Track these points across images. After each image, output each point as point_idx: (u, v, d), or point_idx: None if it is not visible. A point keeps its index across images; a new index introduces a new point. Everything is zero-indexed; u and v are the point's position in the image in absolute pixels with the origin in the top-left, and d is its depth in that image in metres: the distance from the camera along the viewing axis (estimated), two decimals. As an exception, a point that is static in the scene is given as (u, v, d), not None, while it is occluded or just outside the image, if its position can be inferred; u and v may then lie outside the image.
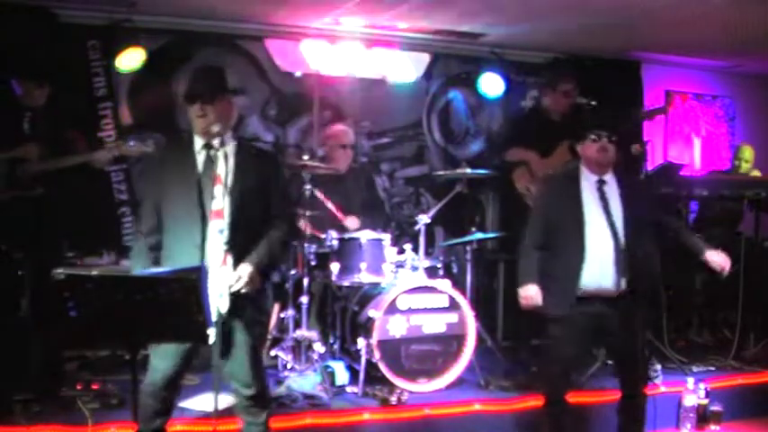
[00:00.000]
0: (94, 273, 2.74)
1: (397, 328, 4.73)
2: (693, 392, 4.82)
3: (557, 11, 5.37)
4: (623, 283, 3.89)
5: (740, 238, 5.86)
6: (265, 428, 3.45)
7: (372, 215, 5.49)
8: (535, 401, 4.55)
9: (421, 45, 6.42)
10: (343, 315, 5.04)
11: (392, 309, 4.71)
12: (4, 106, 4.49)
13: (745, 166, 6.58)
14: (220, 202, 3.21)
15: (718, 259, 4.03)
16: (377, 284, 4.96)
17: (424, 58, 6.51)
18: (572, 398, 4.18)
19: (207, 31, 5.87)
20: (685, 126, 7.50)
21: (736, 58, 6.81)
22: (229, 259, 3.24)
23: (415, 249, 5.10)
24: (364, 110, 6.42)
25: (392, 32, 6.13)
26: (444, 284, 4.91)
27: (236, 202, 3.27)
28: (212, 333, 2.85)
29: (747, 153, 6.59)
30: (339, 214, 5.32)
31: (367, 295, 4.98)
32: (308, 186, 5.02)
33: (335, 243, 4.95)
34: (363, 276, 4.91)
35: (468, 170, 5.39)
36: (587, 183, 3.97)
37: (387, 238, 5.03)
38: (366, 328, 4.73)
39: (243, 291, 3.22)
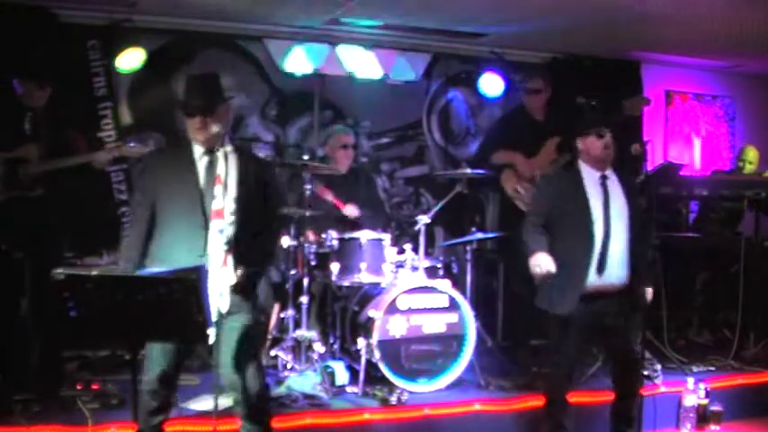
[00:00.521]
0: (94, 273, 2.73)
1: (397, 328, 4.73)
2: (693, 392, 4.82)
3: (556, 11, 5.37)
4: (623, 280, 3.91)
5: (740, 238, 5.86)
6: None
7: (372, 215, 5.49)
8: (535, 401, 4.55)
9: (421, 45, 6.42)
10: (343, 315, 5.04)
11: (392, 309, 4.71)
12: (5, 106, 4.49)
13: (749, 168, 6.56)
14: (220, 201, 3.22)
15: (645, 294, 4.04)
16: (377, 284, 4.95)
17: (424, 58, 6.51)
18: (572, 398, 4.19)
19: (207, 31, 5.87)
20: (685, 126, 7.50)
21: (736, 58, 6.81)
22: (230, 259, 3.25)
23: (415, 249, 5.10)
24: (364, 110, 6.43)
25: (392, 32, 6.13)
26: (444, 284, 4.91)
27: (237, 202, 3.28)
28: (212, 333, 2.85)
29: (751, 154, 6.57)
30: (338, 203, 5.32)
31: (367, 295, 4.98)
32: (308, 186, 5.03)
33: (335, 243, 4.95)
34: (363, 276, 4.91)
35: (468, 170, 5.39)
36: (590, 179, 4.00)
37: (387, 238, 5.03)
38: (366, 328, 4.73)
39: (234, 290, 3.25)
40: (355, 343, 4.77)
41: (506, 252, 6.04)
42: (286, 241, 4.92)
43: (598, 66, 6.74)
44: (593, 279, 3.89)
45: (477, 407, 4.51)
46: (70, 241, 4.89)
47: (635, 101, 5.94)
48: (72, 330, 2.81)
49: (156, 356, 3.29)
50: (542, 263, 3.89)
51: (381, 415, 4.35)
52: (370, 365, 4.67)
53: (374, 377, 4.68)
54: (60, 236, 4.64)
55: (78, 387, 4.37)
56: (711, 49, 6.42)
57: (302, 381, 4.65)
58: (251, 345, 3.45)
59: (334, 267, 4.90)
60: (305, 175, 5.06)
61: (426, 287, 4.84)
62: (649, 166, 5.83)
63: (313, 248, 4.97)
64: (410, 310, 4.78)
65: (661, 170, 6.10)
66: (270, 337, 5.16)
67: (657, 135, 7.18)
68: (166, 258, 3.27)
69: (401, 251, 5.12)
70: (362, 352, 4.67)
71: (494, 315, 6.39)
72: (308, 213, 4.97)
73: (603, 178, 3.99)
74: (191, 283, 2.66)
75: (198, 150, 3.35)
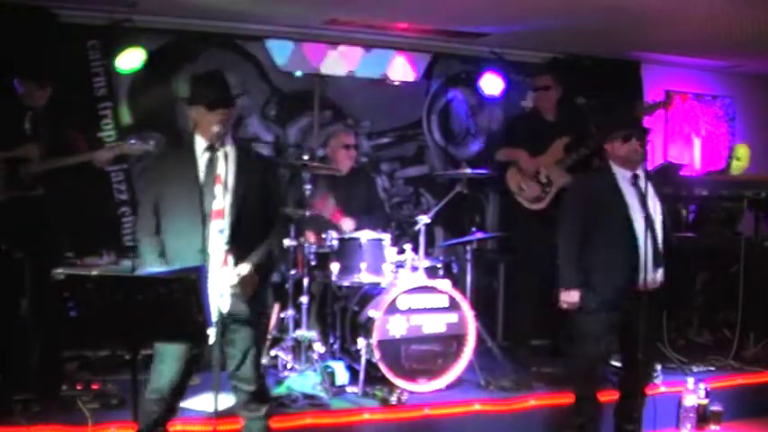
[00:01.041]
0: (94, 273, 2.74)
1: (397, 328, 4.73)
2: (693, 392, 4.82)
3: (556, 11, 5.36)
4: (662, 277, 4.02)
5: (740, 238, 5.86)
6: (266, 423, 3.47)
7: (372, 215, 5.49)
8: (535, 401, 4.56)
9: (421, 45, 6.42)
10: (343, 315, 5.04)
11: (392, 309, 4.71)
12: (6, 106, 4.49)
13: (737, 164, 6.59)
14: (221, 201, 3.22)
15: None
16: (377, 284, 4.95)
17: (424, 58, 6.51)
18: (600, 395, 4.21)
19: (207, 31, 5.86)
20: (685, 126, 7.49)
21: (736, 58, 6.81)
22: (230, 259, 3.25)
23: (415, 249, 5.10)
24: (364, 110, 6.43)
25: (392, 32, 6.13)
26: (444, 284, 4.91)
27: (238, 202, 3.28)
28: (212, 333, 2.85)
29: (741, 151, 6.62)
30: (335, 216, 5.32)
31: (367, 295, 4.98)
32: (308, 186, 5.03)
33: (335, 243, 4.95)
34: (363, 276, 4.91)
35: (468, 170, 5.39)
36: (623, 180, 4.08)
37: (387, 238, 5.03)
38: (366, 328, 4.73)
39: (239, 291, 3.25)
40: (355, 343, 4.77)
41: (507, 251, 6.04)
42: (286, 241, 4.92)
43: (598, 66, 6.73)
44: (647, 276, 3.95)
45: (477, 407, 4.52)
46: (70, 241, 4.89)
47: (653, 106, 5.97)
48: (72, 330, 2.81)
49: (167, 362, 3.28)
50: (573, 301, 4.04)
51: (381, 415, 4.36)
52: (370, 365, 4.67)
53: (374, 377, 4.68)
54: (60, 236, 4.64)
55: (78, 387, 4.37)
56: (711, 49, 6.42)
57: (302, 381, 4.65)
58: (259, 343, 3.49)
59: (334, 267, 4.90)
60: (305, 175, 5.06)
61: (426, 287, 4.84)
62: (649, 166, 5.87)
63: (313, 248, 4.98)
64: (410, 310, 4.78)
65: (661, 170, 6.10)
66: (270, 337, 5.16)
67: (657, 135, 7.17)
68: (169, 256, 3.28)
69: (401, 251, 5.12)
70: (362, 352, 4.67)
71: (494, 315, 6.39)
72: (308, 213, 4.97)
73: (635, 177, 4.06)
74: (191, 283, 2.66)
75: (200, 147, 3.35)
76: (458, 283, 5.23)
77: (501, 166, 5.78)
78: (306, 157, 5.09)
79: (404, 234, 6.02)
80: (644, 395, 4.16)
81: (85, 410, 4.02)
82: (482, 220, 6.64)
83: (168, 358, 3.28)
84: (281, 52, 5.99)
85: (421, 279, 4.94)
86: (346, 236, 5.00)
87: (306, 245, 4.97)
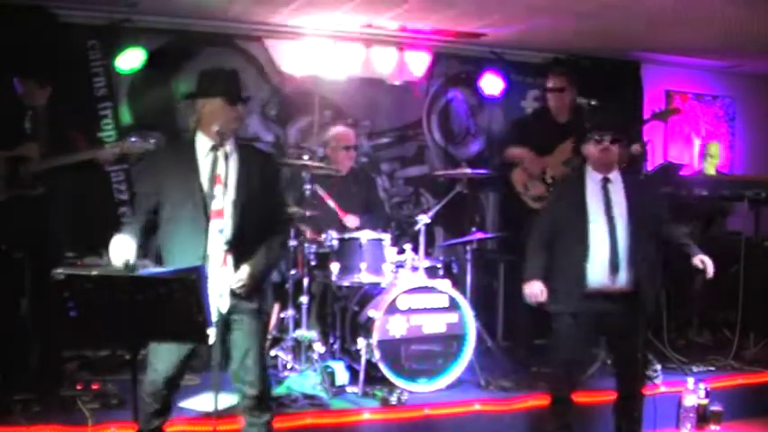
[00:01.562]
0: (94, 273, 2.73)
1: (397, 328, 4.73)
2: (693, 392, 4.82)
3: (556, 11, 5.37)
4: (627, 282, 3.92)
5: (740, 238, 5.86)
6: (267, 428, 3.46)
7: (372, 215, 5.49)
8: (535, 401, 4.56)
9: (421, 45, 6.42)
10: (343, 315, 5.04)
11: (392, 309, 4.71)
12: (6, 105, 4.50)
13: (710, 161, 6.65)
14: (221, 201, 3.21)
15: (704, 261, 4.06)
16: (377, 284, 4.95)
17: (424, 58, 6.51)
18: (575, 397, 4.19)
19: (207, 31, 5.87)
20: (685, 126, 7.50)
21: (736, 58, 6.81)
22: (230, 259, 3.25)
23: (415, 249, 5.10)
24: (364, 110, 6.43)
25: (392, 32, 6.13)
26: (444, 284, 4.91)
27: (239, 202, 3.27)
28: (212, 333, 2.85)
29: (713, 149, 6.71)
30: (339, 212, 5.32)
31: (367, 295, 4.98)
32: (308, 186, 5.02)
33: (335, 243, 4.95)
34: (363, 276, 4.91)
35: (468, 170, 5.39)
36: (592, 182, 4.05)
37: (387, 238, 5.03)
38: (366, 328, 4.74)
39: (239, 292, 3.24)
40: (355, 343, 4.77)
41: (508, 251, 6.04)
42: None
43: (598, 66, 6.73)
44: (603, 280, 3.92)
45: (477, 407, 4.52)
46: (70, 241, 4.89)
47: (666, 112, 5.98)
48: (72, 330, 2.81)
49: (162, 358, 3.27)
50: (534, 291, 4.04)
51: (381, 415, 4.36)
52: (370, 365, 4.67)
53: (374, 377, 4.68)
54: (60, 236, 4.64)
55: (78, 387, 4.37)
56: (711, 49, 6.42)
57: (302, 381, 4.65)
58: (261, 342, 3.48)
59: (334, 267, 4.90)
60: (305, 175, 5.06)
61: (426, 287, 4.84)
62: (649, 166, 5.87)
63: (313, 248, 4.97)
64: (410, 310, 4.78)
65: (661, 170, 6.10)
66: (270, 337, 5.16)
67: (657, 135, 7.17)
68: (169, 258, 3.28)
69: (401, 251, 5.12)
70: (362, 352, 4.67)
71: (494, 315, 6.39)
72: (308, 213, 4.97)
73: (605, 181, 4.02)
74: (191, 283, 2.66)
75: (203, 147, 3.31)
76: (458, 283, 5.23)
77: (506, 165, 5.77)
78: (306, 157, 5.09)
79: (404, 234, 6.02)
80: (641, 396, 4.15)
81: (85, 410, 4.02)
82: (482, 220, 6.64)
83: (162, 353, 3.26)
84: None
85: (421, 279, 4.94)
86: (346, 236, 4.99)
87: (306, 245, 4.97)
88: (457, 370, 4.84)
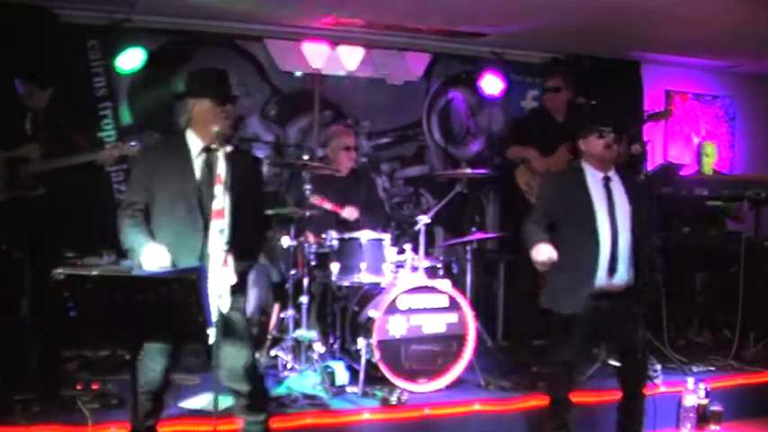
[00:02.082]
0: (94, 273, 2.73)
1: (397, 328, 4.73)
2: (693, 392, 4.82)
3: (556, 11, 5.37)
4: (626, 280, 3.92)
5: (740, 238, 5.86)
6: (265, 426, 3.46)
7: (372, 215, 5.49)
8: (535, 401, 4.55)
9: (421, 45, 6.43)
10: (343, 315, 5.04)
11: (392, 309, 4.71)
12: (6, 106, 4.50)
13: (707, 161, 6.67)
14: (221, 201, 3.20)
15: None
16: (377, 284, 4.95)
17: (424, 58, 6.52)
18: (573, 397, 4.19)
19: (207, 31, 5.87)
20: (685, 126, 7.50)
21: (736, 58, 6.81)
22: (230, 259, 3.25)
23: (415, 249, 5.10)
24: (364, 110, 6.43)
25: (392, 32, 6.13)
26: (444, 284, 4.91)
27: (235, 201, 3.27)
28: (212, 333, 2.85)
29: (709, 149, 6.73)
30: (336, 208, 5.31)
31: (367, 295, 4.98)
32: (307, 186, 5.02)
33: (335, 243, 4.95)
34: (363, 276, 4.91)
35: (468, 170, 5.39)
36: (593, 180, 4.02)
37: (387, 238, 5.03)
38: (366, 328, 4.73)
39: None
40: (355, 343, 4.77)
41: (510, 250, 6.04)
42: (286, 241, 4.93)
43: (598, 66, 6.74)
44: (602, 280, 3.92)
45: (477, 407, 4.51)
46: (70, 241, 4.89)
47: (657, 114, 5.97)
48: (72, 330, 2.81)
49: (153, 358, 3.28)
50: (544, 251, 3.85)
51: (381, 415, 4.35)
52: (370, 365, 4.67)
53: (374, 377, 4.68)
54: (60, 236, 4.64)
55: (78, 387, 4.37)
56: (711, 49, 6.43)
57: (302, 381, 4.65)
58: (250, 336, 3.48)
59: (334, 267, 4.90)
60: (305, 175, 5.06)
61: (426, 287, 4.84)
62: (649, 166, 5.87)
63: (313, 248, 4.97)
64: (410, 310, 4.78)
65: (661, 170, 6.10)
66: (270, 337, 5.16)
67: (657, 135, 7.18)
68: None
69: (401, 251, 5.12)
70: (362, 352, 4.67)
71: (494, 315, 6.39)
72: (307, 213, 4.97)
73: (606, 179, 4.00)
74: (191, 283, 2.66)
75: (196, 147, 3.31)
76: (458, 283, 5.23)
77: (509, 163, 5.77)
78: (306, 157, 5.09)
79: (404, 234, 6.02)
80: (642, 395, 4.15)
81: (85, 410, 4.02)
82: (482, 220, 6.64)
83: (153, 353, 3.27)
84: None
85: (421, 279, 4.94)
86: (346, 236, 4.99)
87: (306, 245, 4.97)
88: (457, 370, 4.84)
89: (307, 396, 4.49)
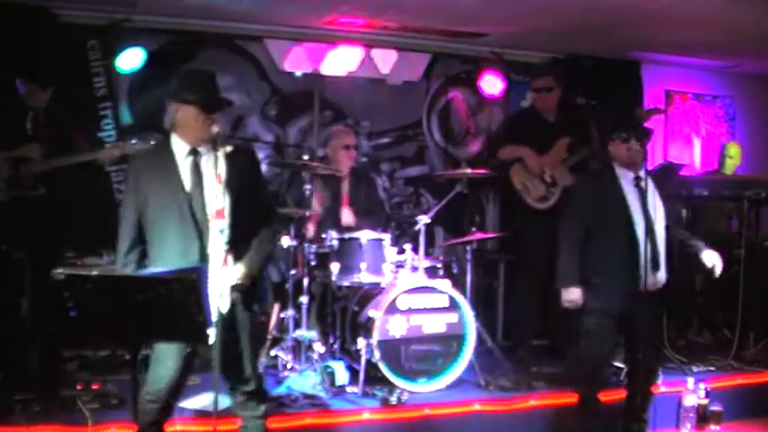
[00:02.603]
0: (94, 273, 2.73)
1: (397, 328, 4.73)
2: (693, 392, 4.82)
3: (556, 11, 5.37)
4: (664, 279, 4.02)
5: (740, 238, 5.86)
6: (264, 422, 3.46)
7: (372, 215, 5.49)
8: (536, 401, 4.56)
9: (421, 45, 6.42)
10: (343, 315, 5.04)
11: (392, 309, 4.71)
12: (7, 106, 4.50)
13: (730, 162, 6.63)
14: (221, 201, 3.20)
15: (713, 259, 4.10)
16: (377, 284, 4.95)
17: (424, 58, 6.52)
18: (601, 396, 4.21)
19: (207, 31, 5.87)
20: (685, 126, 7.50)
21: (736, 58, 6.81)
22: (230, 259, 3.24)
23: (415, 249, 5.10)
24: (364, 110, 6.43)
25: (392, 32, 6.13)
26: (444, 284, 4.91)
27: (233, 201, 3.26)
28: (212, 333, 2.85)
29: (733, 150, 6.67)
30: (336, 209, 5.32)
31: (367, 295, 4.98)
32: (307, 186, 5.02)
33: (335, 243, 4.95)
34: (363, 276, 4.91)
35: (468, 170, 5.39)
36: (625, 181, 4.10)
37: (387, 238, 5.03)
38: (366, 328, 4.73)
39: (236, 290, 3.24)
40: (355, 343, 4.77)
41: (510, 251, 6.04)
42: (286, 241, 4.93)
43: (598, 66, 6.74)
44: (649, 277, 3.94)
45: (477, 407, 4.52)
46: (70, 241, 4.89)
47: (650, 111, 5.96)
48: (72, 330, 2.81)
49: (164, 366, 3.24)
50: (574, 299, 4.04)
51: (381, 415, 4.35)
52: (370, 365, 4.67)
53: (374, 377, 4.68)
54: (61, 236, 4.64)
55: (78, 387, 4.37)
56: (711, 49, 6.43)
57: (302, 381, 4.65)
58: (255, 339, 3.45)
59: (334, 267, 4.90)
60: (305, 175, 5.06)
61: (426, 287, 4.84)
62: (649, 166, 5.85)
63: (313, 248, 4.97)
64: (410, 310, 4.78)
65: (661, 170, 6.09)
66: (270, 337, 5.16)
67: (657, 135, 7.17)
68: (157, 261, 3.23)
69: (401, 251, 5.12)
70: (362, 352, 4.67)
71: (494, 315, 6.39)
72: (307, 213, 4.97)
73: (638, 179, 4.07)
74: (191, 283, 2.66)
75: (182, 151, 3.28)
76: (458, 283, 5.23)
77: (503, 164, 5.77)
78: (306, 157, 5.09)
79: (404, 234, 6.02)
80: (651, 395, 4.17)
81: (85, 410, 4.02)
82: (482, 220, 6.64)
83: (164, 359, 3.24)
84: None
85: (421, 279, 4.94)
86: (346, 236, 4.99)
87: (306, 244, 4.97)
88: (457, 370, 4.84)
89: (307, 396, 4.49)
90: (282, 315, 5.07)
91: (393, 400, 4.44)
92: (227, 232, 3.18)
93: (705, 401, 4.82)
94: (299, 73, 6.09)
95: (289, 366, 4.85)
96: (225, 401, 3.65)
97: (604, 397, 4.26)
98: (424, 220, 5.15)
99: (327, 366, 4.70)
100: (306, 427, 4.16)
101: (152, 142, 4.43)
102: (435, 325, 4.83)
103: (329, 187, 5.43)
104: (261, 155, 6.14)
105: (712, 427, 4.81)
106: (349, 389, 4.66)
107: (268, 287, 5.42)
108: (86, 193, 5.07)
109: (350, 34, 6.11)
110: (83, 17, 5.49)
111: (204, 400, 4.16)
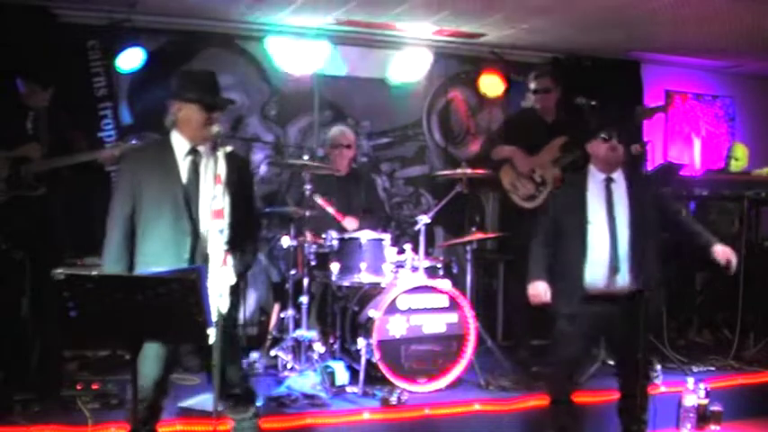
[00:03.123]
0: (94, 273, 2.73)
1: (397, 328, 4.73)
2: (693, 392, 4.82)
3: (556, 11, 5.37)
4: (629, 283, 3.91)
5: (740, 237, 5.85)
6: (256, 422, 3.46)
7: (372, 215, 5.49)
8: (535, 401, 4.55)
9: (421, 45, 6.42)
10: (343, 315, 5.04)
11: (392, 309, 4.71)
12: (7, 106, 4.50)
13: (735, 164, 6.61)
14: (221, 201, 3.20)
15: (727, 254, 4.00)
16: (377, 284, 4.95)
17: (425, 58, 6.51)
18: (575, 398, 4.19)
19: (207, 30, 5.87)
20: (685, 126, 7.50)
21: (736, 58, 6.81)
22: (229, 259, 3.24)
23: (415, 249, 5.10)
24: (364, 110, 6.43)
25: (392, 32, 6.13)
26: (444, 284, 4.91)
27: (231, 201, 3.26)
28: (212, 333, 2.85)
29: (740, 151, 6.65)
30: (338, 216, 5.31)
31: (367, 295, 4.98)
32: (308, 186, 5.03)
33: (335, 243, 4.95)
34: (363, 276, 4.91)
35: (468, 170, 5.39)
36: (594, 182, 4.04)
37: (387, 238, 5.03)
38: (366, 328, 4.74)
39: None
40: (355, 343, 4.77)
41: (510, 251, 6.04)
42: (286, 241, 4.93)
43: (598, 66, 6.74)
44: (602, 281, 3.91)
45: (477, 407, 4.52)
46: (70, 241, 4.88)
47: (652, 109, 5.95)
48: (72, 330, 2.81)
49: (148, 364, 3.23)
50: (537, 292, 4.02)
51: (381, 415, 4.36)
52: (370, 365, 4.67)
53: (374, 377, 4.68)
54: (61, 236, 4.64)
55: (78, 387, 4.37)
56: (711, 49, 6.43)
57: (302, 381, 4.65)
58: (235, 345, 3.48)
59: (334, 267, 4.90)
60: (305, 175, 5.06)
61: (426, 287, 4.84)
62: (649, 166, 5.86)
63: (313, 248, 4.97)
64: (410, 310, 4.78)
65: (661, 170, 6.10)
66: (270, 337, 5.16)
67: (657, 135, 7.17)
68: (148, 259, 3.24)
69: (401, 251, 5.12)
70: (362, 352, 4.67)
71: (494, 315, 6.39)
72: (307, 213, 4.97)
73: (608, 180, 4.01)
74: (190, 283, 2.66)
75: (182, 150, 3.29)
76: (458, 283, 5.23)
77: (495, 164, 5.77)
78: (306, 157, 5.09)
79: (404, 234, 6.03)
80: (646, 395, 4.15)
81: (85, 410, 4.03)
82: (482, 220, 6.64)
83: (147, 359, 3.22)
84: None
85: (421, 279, 4.94)
86: (346, 236, 4.99)
87: (306, 245, 4.97)
88: (457, 370, 4.84)
89: (307, 396, 4.49)
90: (282, 315, 5.08)
91: (393, 400, 4.44)
92: (226, 232, 3.18)
93: (705, 401, 4.82)
94: (299, 73, 6.09)
95: (289, 366, 4.85)
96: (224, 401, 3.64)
97: (577, 398, 4.24)
98: (423, 220, 5.16)
99: (327, 366, 4.70)
100: (306, 427, 4.16)
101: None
102: (435, 325, 4.83)
103: (330, 187, 5.43)
104: (261, 155, 6.15)
105: (712, 427, 4.81)
106: (349, 389, 4.66)
107: (269, 288, 5.42)
108: (86, 193, 5.06)
109: (351, 34, 6.10)
110: (83, 17, 5.49)
111: (204, 401, 4.15)
